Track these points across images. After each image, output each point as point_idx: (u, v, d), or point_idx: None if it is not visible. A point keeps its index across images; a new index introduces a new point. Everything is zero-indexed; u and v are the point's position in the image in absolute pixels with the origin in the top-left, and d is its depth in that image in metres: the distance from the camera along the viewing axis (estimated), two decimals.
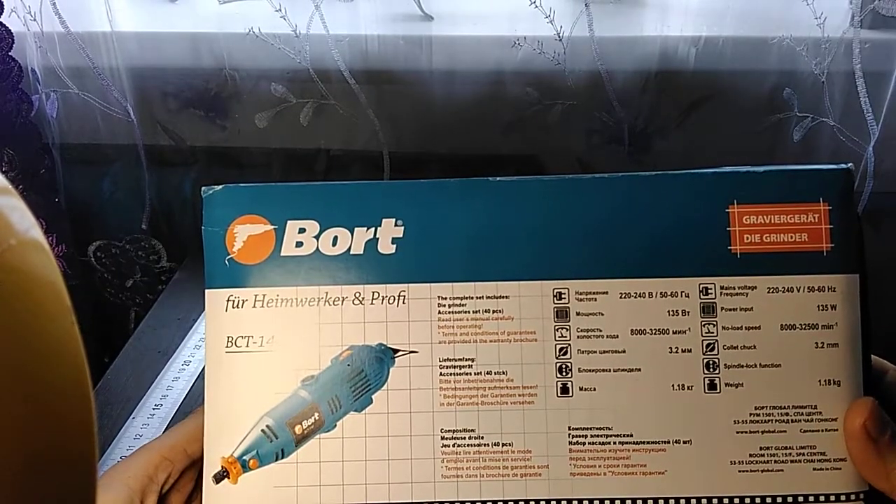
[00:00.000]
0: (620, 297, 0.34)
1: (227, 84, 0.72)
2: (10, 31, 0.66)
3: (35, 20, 0.69)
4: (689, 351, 0.33)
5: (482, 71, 0.70)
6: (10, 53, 0.66)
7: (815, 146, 0.70)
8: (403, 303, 0.34)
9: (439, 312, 0.34)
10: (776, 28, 0.66)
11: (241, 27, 0.69)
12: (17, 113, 0.68)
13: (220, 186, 0.35)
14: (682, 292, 0.34)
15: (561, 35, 0.67)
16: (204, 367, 0.34)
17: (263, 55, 0.70)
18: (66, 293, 0.18)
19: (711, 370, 0.33)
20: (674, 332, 0.33)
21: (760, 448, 0.33)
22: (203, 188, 0.35)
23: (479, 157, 0.76)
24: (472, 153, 0.75)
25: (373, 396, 0.33)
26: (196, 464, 0.35)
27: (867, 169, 0.70)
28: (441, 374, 0.34)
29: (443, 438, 0.33)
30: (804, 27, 0.65)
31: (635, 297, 0.34)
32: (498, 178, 0.34)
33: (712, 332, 0.33)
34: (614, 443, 0.33)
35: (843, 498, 0.32)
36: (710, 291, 0.34)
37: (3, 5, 0.65)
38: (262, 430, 0.33)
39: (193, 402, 0.56)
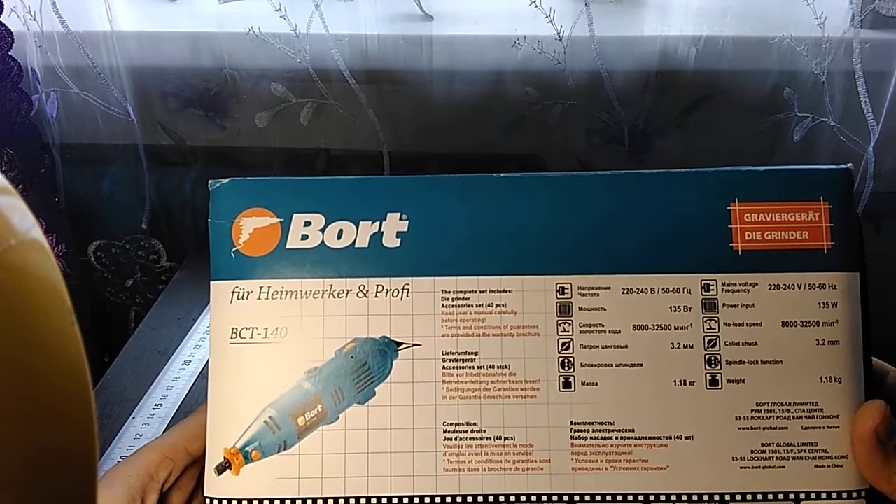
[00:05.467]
0: (623, 293, 0.34)
1: (227, 84, 0.72)
2: (10, 30, 0.66)
3: (35, 20, 0.69)
4: (691, 347, 0.33)
5: (482, 71, 0.70)
6: (9, 53, 0.66)
7: (815, 146, 0.70)
8: (407, 296, 0.34)
9: (443, 306, 0.34)
10: (776, 28, 0.66)
11: (241, 27, 0.69)
12: (17, 112, 0.68)
13: (227, 179, 0.35)
14: (683, 288, 0.34)
15: (561, 35, 0.67)
16: (204, 367, 0.34)
17: (263, 55, 0.70)
18: (67, 293, 0.18)
19: (713, 366, 0.33)
20: (676, 328, 0.34)
21: (762, 444, 0.33)
22: (210, 181, 0.35)
23: (479, 157, 0.76)
24: (472, 153, 0.75)
25: (376, 389, 0.34)
26: (197, 462, 0.35)
27: (867, 169, 0.70)
28: (444, 367, 0.34)
29: (445, 431, 0.33)
30: (804, 27, 0.66)
31: (637, 293, 0.34)
32: (502, 175, 0.35)
33: (714, 329, 0.33)
34: (616, 438, 0.33)
35: (844, 495, 0.32)
36: (711, 288, 0.34)
37: (2, 5, 0.65)
38: (265, 422, 0.33)
39: (194, 401, 0.56)
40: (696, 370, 0.33)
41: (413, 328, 0.34)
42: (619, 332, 0.34)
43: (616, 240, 0.34)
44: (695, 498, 0.33)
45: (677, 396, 0.33)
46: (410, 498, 0.33)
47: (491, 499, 0.33)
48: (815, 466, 0.33)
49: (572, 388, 0.33)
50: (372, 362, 0.33)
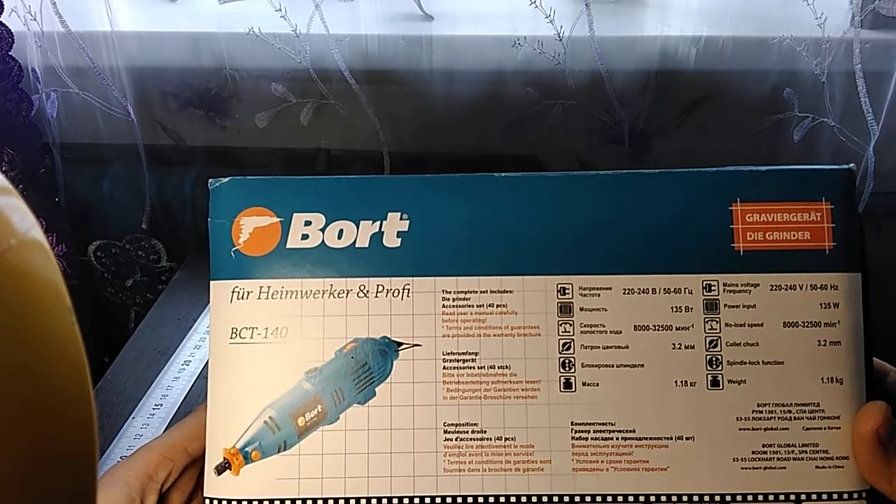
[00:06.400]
0: (624, 293, 0.34)
1: (227, 84, 0.72)
2: (10, 30, 0.66)
3: (35, 20, 0.69)
4: (692, 347, 0.33)
5: (482, 71, 0.70)
6: (10, 53, 0.66)
7: (815, 146, 0.71)
8: (408, 296, 0.34)
9: (443, 306, 0.34)
10: (776, 28, 0.66)
11: (241, 27, 0.69)
12: (17, 112, 0.68)
13: (227, 179, 0.35)
14: (685, 289, 0.34)
15: (561, 35, 0.67)
16: (204, 367, 0.33)
17: (263, 55, 0.70)
18: (67, 293, 0.18)
19: (714, 367, 0.33)
20: (677, 329, 0.33)
21: (763, 445, 0.33)
22: (210, 180, 0.35)
23: (479, 157, 0.76)
24: (472, 153, 0.75)
25: (376, 389, 0.33)
26: (197, 462, 0.35)
27: (867, 169, 0.70)
28: (444, 367, 0.34)
29: (445, 432, 0.33)
30: (804, 27, 0.66)
31: (639, 293, 0.34)
32: (502, 175, 0.35)
33: (715, 329, 0.33)
34: (617, 438, 0.33)
35: (845, 496, 0.32)
36: (713, 288, 0.34)
37: (3, 5, 0.65)
38: (265, 422, 0.33)
39: (193, 401, 0.56)
40: (698, 371, 0.33)
41: (413, 328, 0.34)
42: (621, 332, 0.33)
43: (617, 240, 0.34)
44: (695, 499, 0.33)
45: (678, 397, 0.33)
46: (411, 498, 0.33)
47: (491, 499, 0.33)
48: (816, 467, 0.33)
49: (573, 389, 0.33)
50: (372, 362, 0.33)
